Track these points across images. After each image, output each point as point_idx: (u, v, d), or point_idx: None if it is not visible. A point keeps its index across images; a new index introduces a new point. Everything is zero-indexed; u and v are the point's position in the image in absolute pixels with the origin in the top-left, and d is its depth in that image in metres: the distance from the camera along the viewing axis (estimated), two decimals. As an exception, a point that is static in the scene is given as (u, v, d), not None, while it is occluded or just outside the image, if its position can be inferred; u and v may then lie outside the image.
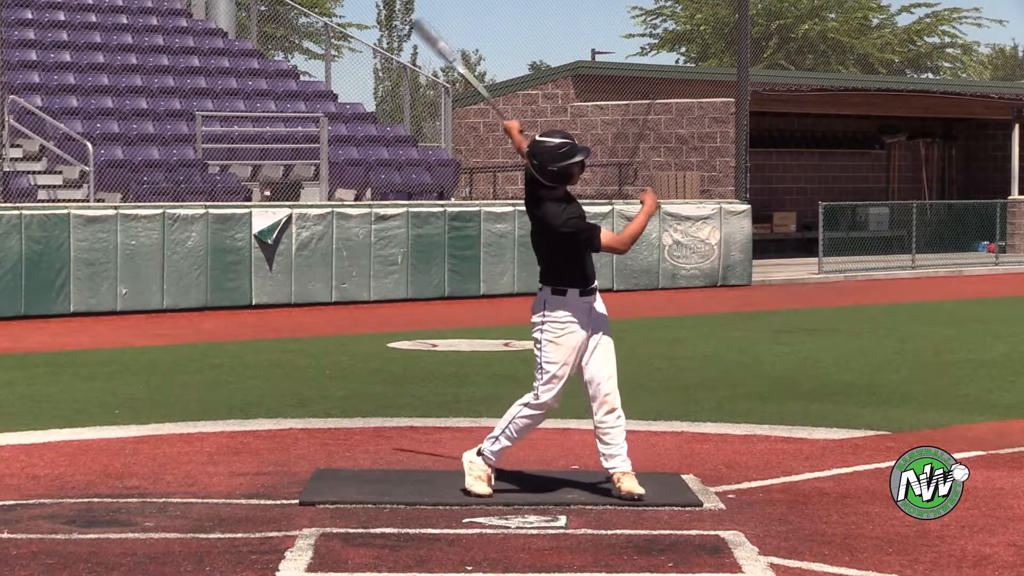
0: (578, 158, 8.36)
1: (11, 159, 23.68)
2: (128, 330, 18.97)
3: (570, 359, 8.42)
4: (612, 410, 8.47)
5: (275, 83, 28.96)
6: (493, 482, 8.50)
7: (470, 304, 23.19)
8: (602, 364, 8.46)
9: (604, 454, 8.53)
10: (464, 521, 7.94)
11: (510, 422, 8.51)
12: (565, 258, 8.42)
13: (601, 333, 8.49)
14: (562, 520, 7.99)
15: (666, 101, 34.06)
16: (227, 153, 26.03)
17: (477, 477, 8.46)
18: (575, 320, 8.41)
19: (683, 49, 69.60)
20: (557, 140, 8.41)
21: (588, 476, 9.04)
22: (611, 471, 8.50)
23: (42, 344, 17.31)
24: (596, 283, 8.54)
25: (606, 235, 8.43)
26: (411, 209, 23.69)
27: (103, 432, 10.88)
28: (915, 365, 15.35)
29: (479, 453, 8.53)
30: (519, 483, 8.77)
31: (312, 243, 22.67)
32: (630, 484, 8.41)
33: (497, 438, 8.52)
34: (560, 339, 8.41)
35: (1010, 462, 9.83)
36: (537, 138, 8.52)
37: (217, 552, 7.28)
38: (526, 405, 8.50)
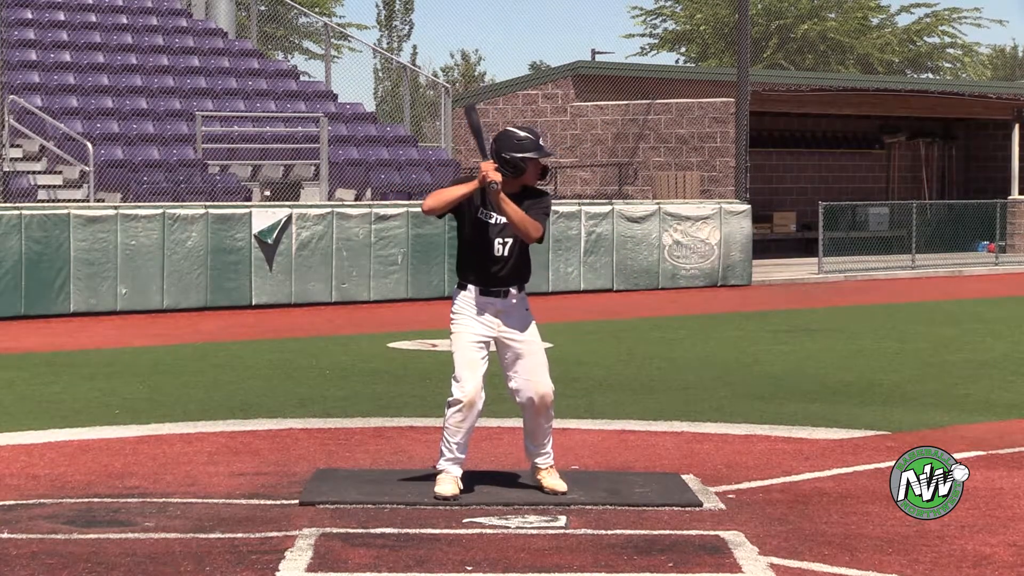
0: (529, 154, 8.39)
1: (11, 159, 23.69)
2: (128, 330, 18.97)
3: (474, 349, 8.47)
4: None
5: (275, 83, 28.96)
6: (461, 486, 8.50)
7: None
8: (527, 368, 8.50)
9: (533, 452, 8.63)
10: (464, 521, 7.94)
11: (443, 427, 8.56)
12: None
13: (519, 338, 8.50)
14: (562, 520, 7.99)
15: (666, 101, 34.06)
16: (227, 153, 26.03)
17: (443, 481, 8.48)
18: (469, 314, 8.46)
19: (683, 49, 69.59)
20: (521, 133, 8.47)
21: (588, 476, 9.04)
22: (536, 465, 8.58)
23: (42, 344, 17.31)
24: (510, 287, 8.47)
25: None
26: (411, 209, 23.69)
27: (103, 432, 10.88)
28: (915, 365, 15.35)
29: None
30: (519, 483, 8.78)
31: (312, 243, 22.67)
32: (552, 482, 8.52)
33: (440, 448, 8.57)
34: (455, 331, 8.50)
35: (1010, 462, 9.83)
36: (507, 127, 8.59)
37: (217, 552, 7.28)
38: (447, 404, 8.55)
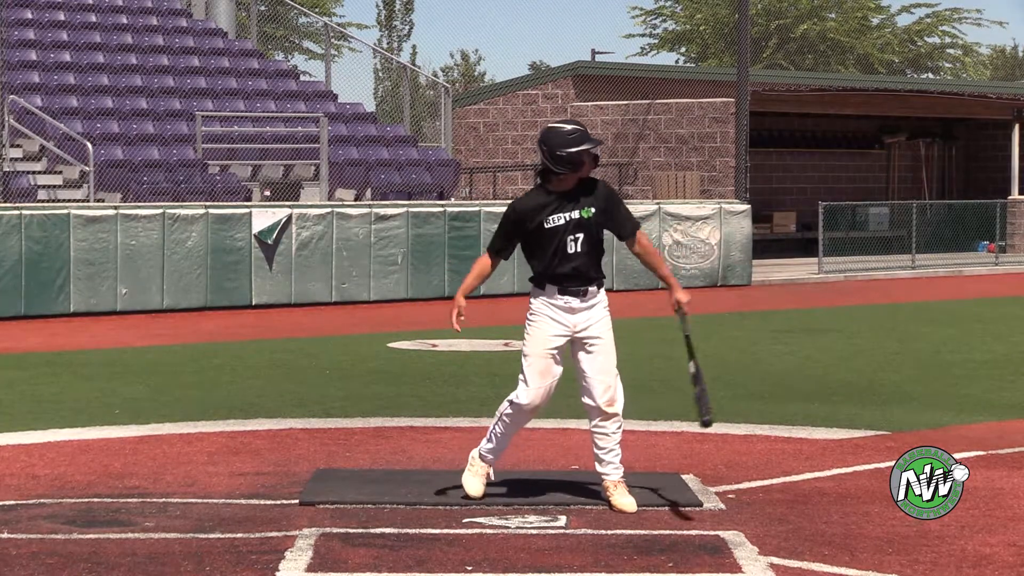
0: (585, 146, 8.33)
1: (11, 159, 23.68)
2: (128, 330, 18.97)
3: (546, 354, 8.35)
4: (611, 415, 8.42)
5: (275, 83, 28.96)
6: (491, 478, 8.49)
7: (470, 304, 23.11)
8: (598, 367, 8.36)
9: (599, 458, 8.49)
10: (464, 521, 7.94)
11: (497, 420, 8.51)
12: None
13: (596, 335, 8.37)
14: (562, 520, 7.99)
15: (666, 101, 34.06)
16: (227, 153, 26.03)
17: (475, 473, 8.46)
18: (548, 315, 8.35)
19: (683, 49, 69.59)
20: (568, 127, 8.41)
21: (588, 476, 9.03)
22: (603, 477, 8.45)
23: (42, 344, 17.31)
24: (588, 285, 8.33)
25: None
26: (411, 209, 23.69)
27: (103, 432, 10.88)
28: (915, 365, 15.35)
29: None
30: (519, 483, 8.78)
31: (312, 243, 22.67)
32: (621, 501, 8.29)
33: (488, 437, 8.53)
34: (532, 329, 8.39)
35: (1010, 462, 9.83)
36: (549, 125, 8.55)
37: (217, 552, 7.28)
38: (510, 402, 8.47)
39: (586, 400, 8.39)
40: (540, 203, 8.33)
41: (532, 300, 8.42)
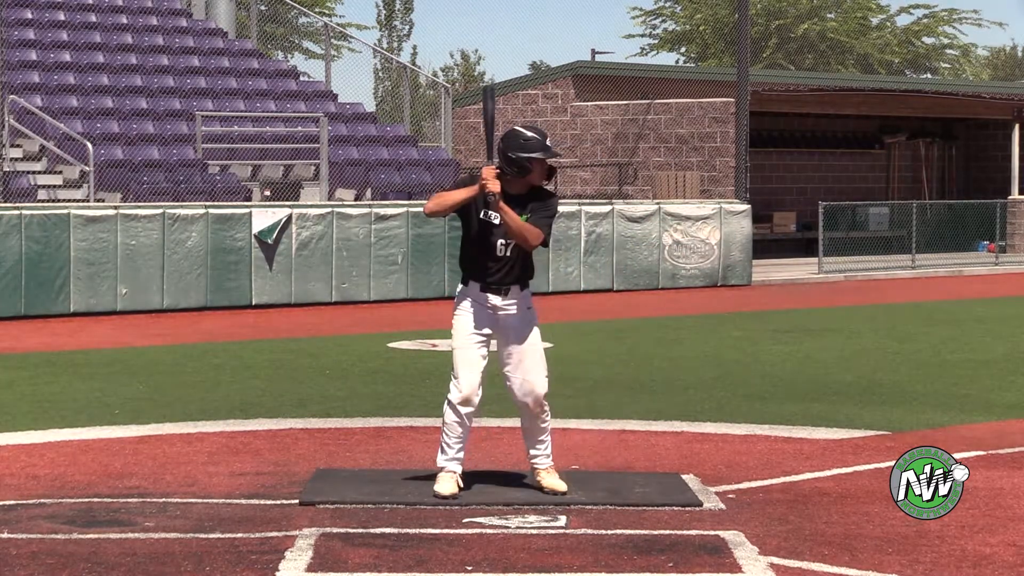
0: (535, 155, 8.39)
1: (11, 159, 23.67)
2: (128, 330, 18.97)
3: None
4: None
5: (275, 83, 28.96)
6: (461, 484, 8.51)
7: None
8: (522, 364, 8.52)
9: (534, 447, 8.65)
10: (464, 521, 7.94)
11: (443, 429, 8.58)
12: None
13: (518, 333, 8.51)
14: (562, 520, 7.99)
15: (666, 101, 34.05)
16: (227, 153, 26.03)
17: (443, 480, 8.49)
18: (471, 310, 8.50)
19: (683, 49, 69.57)
20: (528, 133, 8.47)
21: (588, 476, 9.04)
22: (536, 466, 8.61)
23: (42, 344, 17.31)
24: (512, 284, 8.48)
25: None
26: (411, 209, 23.69)
27: (103, 432, 10.88)
28: (915, 365, 15.35)
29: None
30: (519, 483, 8.78)
31: (312, 243, 22.67)
32: (552, 481, 8.54)
33: (442, 448, 8.58)
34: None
35: (1010, 462, 9.84)
36: (514, 127, 8.60)
37: (217, 552, 7.29)
38: (448, 403, 8.57)
39: (514, 399, 8.58)
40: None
41: (457, 296, 8.61)
